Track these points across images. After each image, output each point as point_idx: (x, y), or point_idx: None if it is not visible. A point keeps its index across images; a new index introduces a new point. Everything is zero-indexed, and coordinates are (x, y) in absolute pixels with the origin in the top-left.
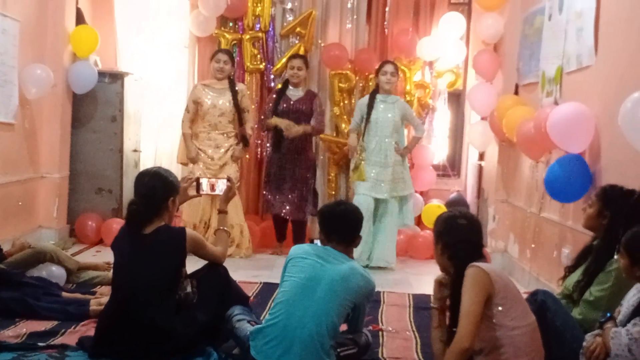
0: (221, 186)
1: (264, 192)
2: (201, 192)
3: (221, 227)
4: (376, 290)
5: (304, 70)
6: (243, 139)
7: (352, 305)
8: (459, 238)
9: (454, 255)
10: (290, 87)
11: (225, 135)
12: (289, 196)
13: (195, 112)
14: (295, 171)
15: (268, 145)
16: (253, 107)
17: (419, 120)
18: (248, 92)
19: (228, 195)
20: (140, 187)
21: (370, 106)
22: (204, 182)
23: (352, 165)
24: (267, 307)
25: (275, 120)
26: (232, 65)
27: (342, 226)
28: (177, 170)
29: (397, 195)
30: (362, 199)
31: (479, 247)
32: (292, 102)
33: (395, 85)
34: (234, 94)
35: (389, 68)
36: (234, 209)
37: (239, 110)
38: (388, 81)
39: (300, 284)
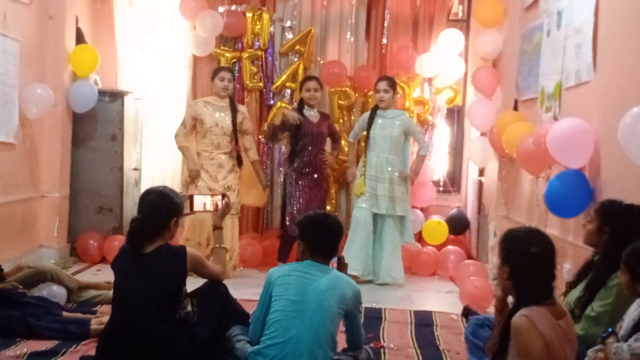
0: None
1: (290, 208)
2: (195, 210)
3: (217, 245)
4: (378, 307)
5: (320, 92)
6: (238, 159)
7: (344, 312)
8: (529, 271)
9: (519, 289)
10: (306, 108)
11: (227, 155)
12: None
13: (192, 128)
14: (317, 193)
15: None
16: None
17: (423, 137)
18: (247, 115)
19: (224, 211)
20: (144, 204)
21: (370, 122)
22: (197, 199)
23: (356, 181)
24: None
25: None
26: (234, 83)
27: (329, 239)
28: (179, 188)
29: (394, 214)
30: (359, 212)
31: (549, 282)
32: (313, 124)
33: (394, 100)
34: (234, 113)
35: (381, 85)
36: (230, 234)
37: (236, 130)
38: (381, 99)
39: (291, 300)
